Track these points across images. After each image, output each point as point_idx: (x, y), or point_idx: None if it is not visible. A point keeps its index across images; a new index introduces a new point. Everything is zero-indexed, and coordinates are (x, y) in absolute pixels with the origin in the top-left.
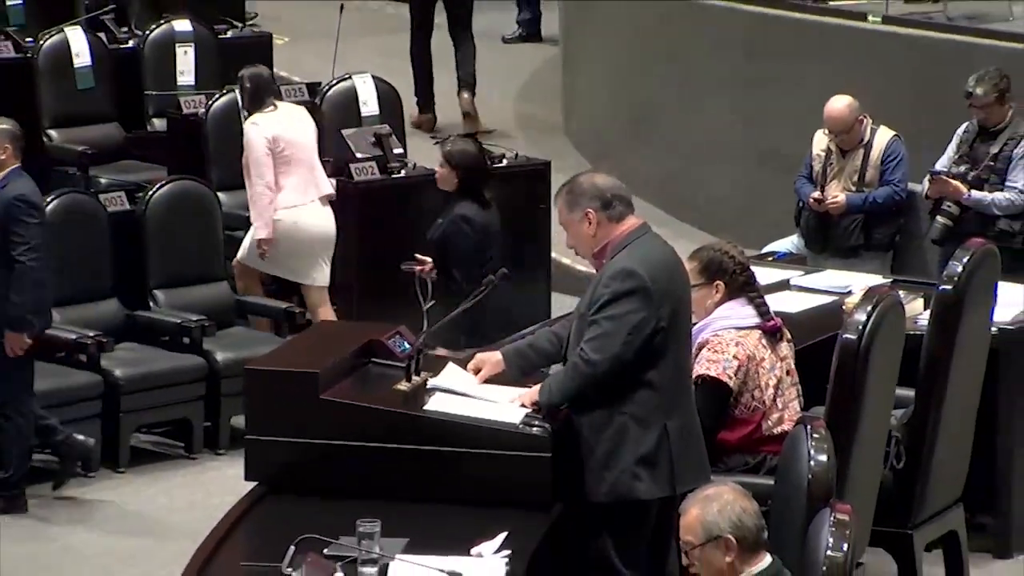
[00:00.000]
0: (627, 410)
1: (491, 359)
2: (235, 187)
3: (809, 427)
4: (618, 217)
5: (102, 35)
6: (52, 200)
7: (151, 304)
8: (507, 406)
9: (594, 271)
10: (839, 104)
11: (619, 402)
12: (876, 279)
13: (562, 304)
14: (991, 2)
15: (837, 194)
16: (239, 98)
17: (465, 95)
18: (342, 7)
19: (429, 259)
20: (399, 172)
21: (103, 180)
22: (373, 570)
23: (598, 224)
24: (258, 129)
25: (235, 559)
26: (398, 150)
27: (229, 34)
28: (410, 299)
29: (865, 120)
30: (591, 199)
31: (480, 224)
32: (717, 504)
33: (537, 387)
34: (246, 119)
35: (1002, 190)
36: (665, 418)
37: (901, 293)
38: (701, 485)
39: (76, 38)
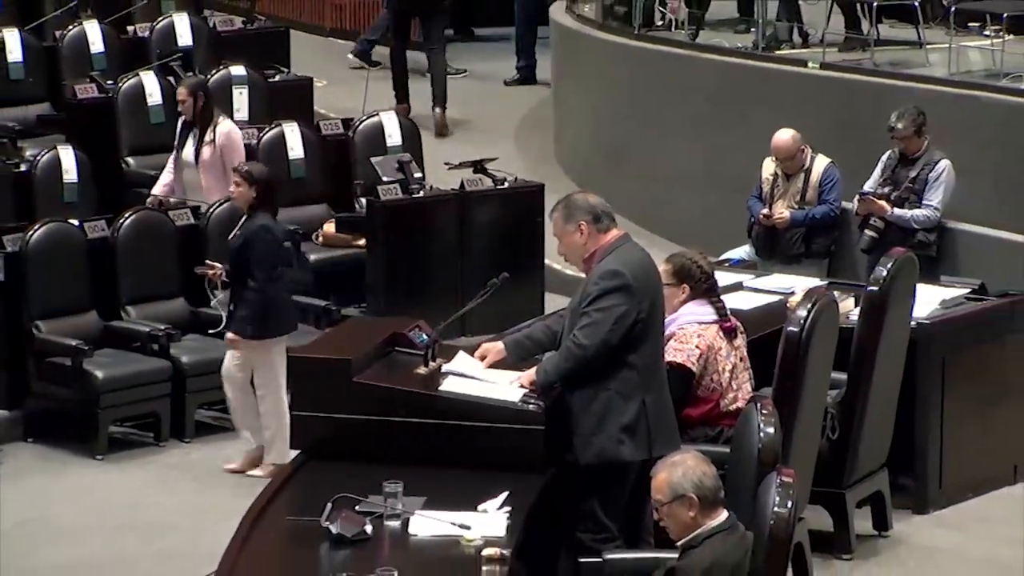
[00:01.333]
0: (612, 387)
1: (495, 347)
2: (282, 205)
3: (759, 405)
4: (605, 229)
5: (171, 78)
6: (129, 216)
7: (211, 298)
8: (508, 387)
9: (582, 274)
10: (784, 136)
11: (605, 380)
12: (815, 282)
13: (554, 302)
14: (910, 51)
15: (782, 211)
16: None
17: (438, 111)
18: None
19: (219, 265)
20: (418, 193)
21: (173, 199)
22: (396, 523)
23: (588, 234)
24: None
25: (282, 514)
26: (417, 174)
27: (276, 78)
28: (428, 298)
29: (806, 149)
30: (584, 213)
31: (276, 233)
32: (682, 469)
33: (534, 369)
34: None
35: (919, 208)
36: (644, 394)
37: (836, 293)
38: (673, 451)
39: (149, 81)
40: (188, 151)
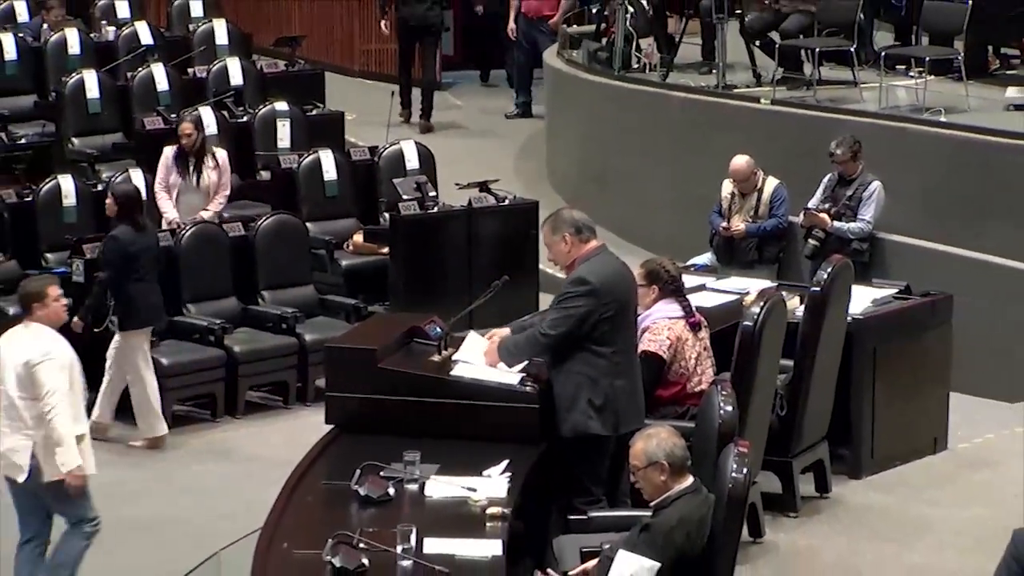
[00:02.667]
0: (584, 372)
1: (501, 333)
2: (319, 219)
3: (719, 387)
4: (585, 240)
5: (225, 112)
6: (189, 230)
7: (259, 300)
8: (508, 371)
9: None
10: (740, 161)
11: (579, 367)
12: (766, 283)
13: (546, 301)
14: (846, 89)
15: (739, 224)
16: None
17: (423, 121)
18: (392, 94)
19: None
20: (433, 209)
21: (226, 214)
22: (414, 487)
23: (572, 244)
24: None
25: (318, 479)
26: (432, 193)
27: (313, 112)
28: (441, 297)
29: (758, 172)
30: (568, 226)
31: (125, 242)
32: (656, 440)
33: (498, 342)
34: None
35: (855, 221)
36: (613, 378)
37: (784, 293)
38: (639, 428)
39: (207, 114)
40: (189, 179)
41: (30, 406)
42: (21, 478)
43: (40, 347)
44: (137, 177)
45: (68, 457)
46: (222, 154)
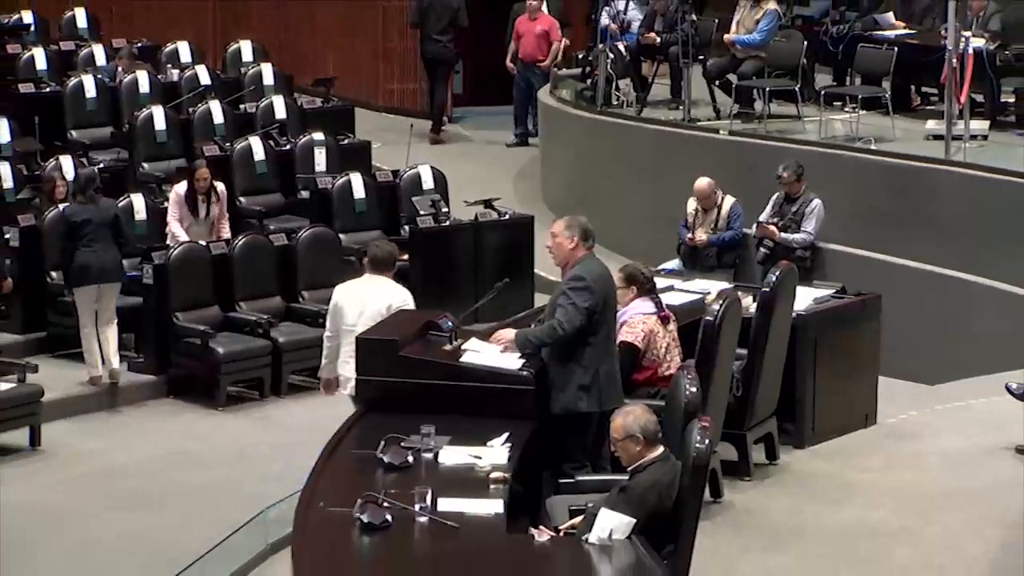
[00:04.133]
0: (575, 358)
1: (507, 334)
2: (349, 231)
3: (685, 372)
4: (587, 247)
5: (271, 141)
6: (241, 239)
7: (300, 299)
8: (509, 357)
9: (559, 279)
10: (703, 182)
11: (570, 354)
12: (725, 285)
13: (540, 299)
14: (791, 122)
15: (702, 235)
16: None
17: (432, 134)
18: (411, 126)
19: None
20: (445, 222)
21: (272, 226)
22: (430, 455)
23: (576, 245)
24: None
25: (348, 449)
26: (445, 210)
27: (345, 141)
28: (452, 296)
29: (718, 192)
30: (579, 230)
31: (69, 214)
32: (632, 416)
33: (513, 332)
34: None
35: (799, 233)
36: (598, 364)
37: (739, 293)
38: (618, 406)
39: (256, 143)
40: (198, 213)
41: None
42: None
43: (400, 295)
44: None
45: None
46: (221, 187)
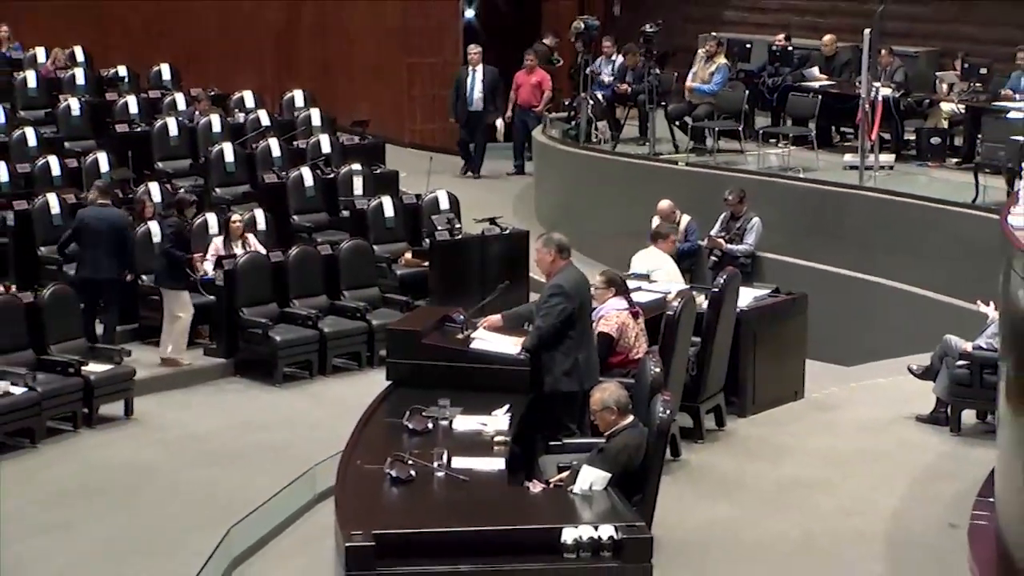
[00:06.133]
0: (559, 348)
1: (495, 319)
2: (381, 243)
3: (651, 356)
4: (564, 258)
5: (318, 171)
6: (295, 250)
7: (341, 297)
8: (510, 344)
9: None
10: (664, 204)
11: (555, 344)
12: (682, 286)
13: (533, 298)
14: (735, 155)
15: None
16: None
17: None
18: (431, 159)
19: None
20: (458, 236)
21: (319, 239)
22: (446, 423)
23: (555, 258)
24: None
25: (381, 417)
26: (458, 226)
27: (377, 171)
28: (463, 296)
29: (677, 211)
30: (555, 245)
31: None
32: (608, 391)
33: (499, 318)
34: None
35: (742, 245)
36: (577, 352)
37: (694, 293)
38: (596, 384)
39: (306, 172)
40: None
41: None
42: None
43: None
44: (260, 218)
45: None
46: (253, 239)
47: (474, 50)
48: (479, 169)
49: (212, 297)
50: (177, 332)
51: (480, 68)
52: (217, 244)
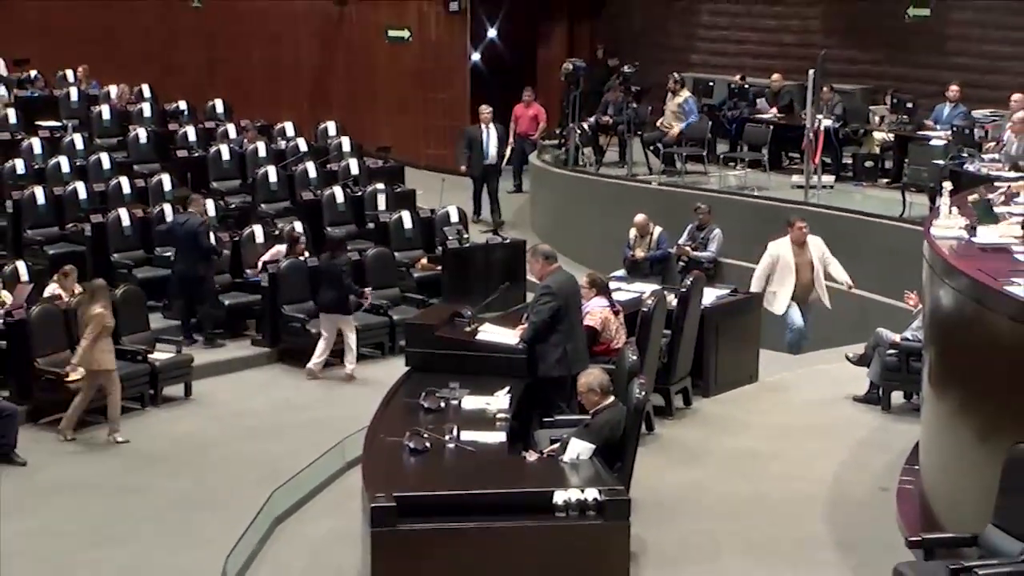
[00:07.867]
0: (551, 340)
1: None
2: (401, 250)
3: (629, 346)
4: (551, 263)
5: (348, 189)
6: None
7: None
8: (511, 335)
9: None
10: (640, 217)
11: (547, 337)
12: (656, 287)
13: (528, 297)
14: (701, 176)
15: (640, 254)
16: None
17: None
18: (443, 179)
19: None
20: (466, 244)
21: (349, 247)
22: (455, 402)
23: (542, 264)
24: None
25: (401, 397)
26: (466, 236)
27: (397, 189)
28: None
29: (651, 223)
30: (541, 254)
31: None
32: (592, 375)
33: (522, 329)
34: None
35: (706, 252)
36: (565, 343)
37: (666, 293)
38: (583, 369)
39: (338, 191)
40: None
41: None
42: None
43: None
44: (298, 226)
45: None
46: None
47: (486, 111)
48: (499, 212)
49: (258, 296)
50: (325, 346)
51: (491, 126)
52: (279, 251)
